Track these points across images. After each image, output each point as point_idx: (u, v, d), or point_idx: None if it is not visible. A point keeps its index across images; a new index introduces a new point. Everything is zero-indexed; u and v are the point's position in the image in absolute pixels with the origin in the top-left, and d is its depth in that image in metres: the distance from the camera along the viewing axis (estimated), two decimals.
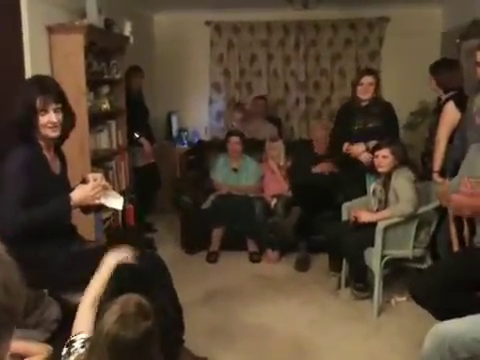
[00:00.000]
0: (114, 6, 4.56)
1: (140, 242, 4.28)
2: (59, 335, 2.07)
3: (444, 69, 3.74)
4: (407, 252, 3.39)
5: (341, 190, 4.22)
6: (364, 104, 4.00)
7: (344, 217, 3.70)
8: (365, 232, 3.36)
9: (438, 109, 3.72)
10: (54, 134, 2.31)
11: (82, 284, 2.36)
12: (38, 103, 2.22)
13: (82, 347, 1.53)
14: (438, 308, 2.45)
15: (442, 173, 3.50)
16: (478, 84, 3.14)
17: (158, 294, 2.35)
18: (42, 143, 2.33)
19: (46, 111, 2.25)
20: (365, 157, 3.92)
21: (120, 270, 1.43)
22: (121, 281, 1.46)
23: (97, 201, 2.36)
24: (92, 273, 2.39)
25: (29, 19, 3.31)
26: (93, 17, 3.75)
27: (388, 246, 3.35)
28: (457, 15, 5.55)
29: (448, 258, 2.93)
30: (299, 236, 4.39)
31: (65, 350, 1.56)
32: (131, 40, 4.40)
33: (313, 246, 4.36)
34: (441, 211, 3.28)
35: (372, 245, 3.34)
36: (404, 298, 3.49)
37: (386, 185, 3.46)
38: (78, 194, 2.30)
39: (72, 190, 2.46)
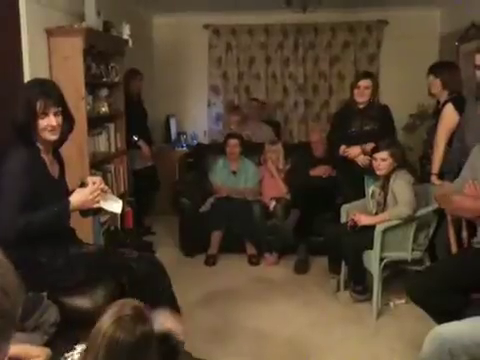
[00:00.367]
0: (113, 9, 4.56)
1: (139, 245, 4.28)
2: (58, 338, 2.07)
3: (448, 69, 3.73)
4: (406, 254, 3.39)
5: (340, 192, 4.23)
6: (361, 107, 4.01)
7: (343, 219, 3.71)
8: (364, 234, 3.36)
9: (437, 112, 3.72)
10: (53, 137, 2.30)
11: (81, 287, 2.37)
12: (38, 106, 2.22)
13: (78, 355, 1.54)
14: (435, 308, 2.45)
15: (440, 175, 3.50)
16: (477, 87, 3.15)
17: (157, 297, 2.35)
18: (41, 146, 2.33)
19: (46, 114, 2.24)
20: (362, 159, 3.93)
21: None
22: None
23: (96, 205, 2.35)
24: (91, 276, 2.39)
25: (28, 22, 3.31)
26: (92, 20, 3.75)
27: (387, 248, 3.35)
28: (455, 18, 5.57)
29: (446, 259, 2.93)
30: (298, 238, 4.39)
31: (63, 357, 1.58)
32: (130, 43, 4.39)
33: (312, 248, 4.36)
34: (440, 213, 3.28)
35: (371, 247, 3.34)
36: (403, 301, 3.49)
37: (385, 188, 3.46)
38: (77, 198, 2.30)
39: (70, 193, 2.46)
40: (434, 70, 3.71)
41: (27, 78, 3.30)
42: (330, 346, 3.03)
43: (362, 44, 6.37)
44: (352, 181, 4.00)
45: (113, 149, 4.36)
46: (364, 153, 3.91)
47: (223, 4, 5.67)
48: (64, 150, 2.59)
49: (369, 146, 3.78)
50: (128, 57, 4.58)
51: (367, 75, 4.13)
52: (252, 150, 5.02)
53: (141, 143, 4.99)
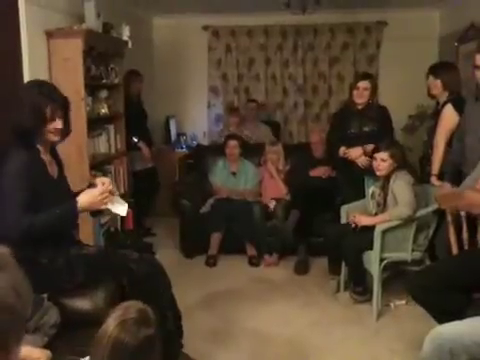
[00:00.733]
0: (112, 10, 4.57)
1: (139, 246, 4.28)
2: (58, 340, 2.07)
3: (448, 70, 3.73)
4: (406, 255, 3.39)
5: (339, 193, 4.23)
6: (359, 108, 4.01)
7: (343, 220, 3.71)
8: (364, 235, 3.36)
9: (436, 113, 3.72)
10: (57, 139, 2.34)
11: (81, 289, 2.37)
12: (48, 112, 2.24)
13: None
14: (435, 307, 2.46)
15: (440, 176, 3.50)
16: (477, 87, 3.15)
17: (157, 298, 2.35)
18: (40, 147, 2.33)
19: (53, 119, 2.27)
20: (362, 160, 3.93)
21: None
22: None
23: (104, 206, 2.35)
24: (91, 277, 2.39)
25: (27, 24, 3.31)
26: (91, 21, 3.76)
27: (387, 249, 3.35)
28: (455, 19, 5.58)
29: (447, 258, 2.94)
30: (298, 239, 4.39)
31: None
32: (129, 44, 4.40)
33: (312, 249, 4.37)
34: (439, 214, 3.28)
35: (371, 248, 3.34)
36: (403, 301, 3.49)
37: (385, 188, 3.46)
38: (85, 199, 2.29)
39: (72, 193, 2.46)
40: (434, 71, 3.71)
41: (27, 80, 3.30)
42: (330, 347, 3.03)
43: (361, 45, 6.38)
44: (352, 182, 4.00)
45: (113, 150, 4.36)
46: (365, 154, 3.91)
47: (222, 5, 5.68)
48: (64, 151, 2.59)
49: (370, 147, 3.79)
50: (128, 58, 4.58)
51: (366, 76, 4.14)
52: (252, 151, 5.02)
53: (141, 144, 4.99)
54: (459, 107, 3.41)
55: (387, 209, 3.44)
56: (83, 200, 2.28)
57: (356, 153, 3.97)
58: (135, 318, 1.39)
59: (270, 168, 4.82)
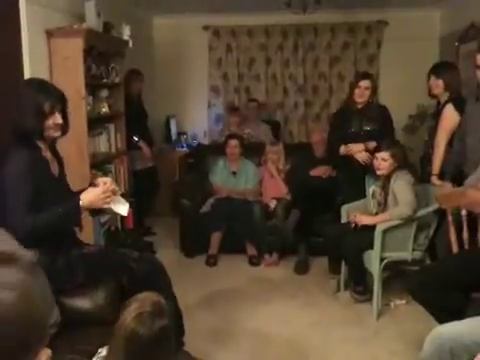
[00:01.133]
0: (113, 10, 4.57)
1: (139, 245, 4.28)
2: (58, 339, 2.07)
3: (449, 70, 3.73)
4: (406, 255, 3.39)
5: (340, 193, 4.23)
6: (359, 107, 4.01)
7: (343, 219, 3.71)
8: (364, 235, 3.36)
9: (437, 113, 3.72)
10: (57, 134, 2.35)
11: (81, 288, 2.37)
12: (46, 107, 2.25)
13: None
14: (433, 304, 2.47)
15: (441, 176, 3.50)
16: (478, 87, 3.15)
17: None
18: (41, 145, 2.34)
19: (53, 113, 2.28)
20: (363, 156, 3.92)
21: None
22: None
23: (106, 206, 2.35)
24: (91, 277, 2.39)
25: (28, 23, 3.31)
26: (92, 21, 3.76)
27: (387, 249, 3.35)
28: (455, 19, 5.57)
29: (447, 257, 2.94)
30: (298, 239, 4.39)
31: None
32: (130, 44, 4.40)
33: (312, 249, 4.37)
34: (440, 214, 3.28)
35: (371, 248, 3.34)
36: (403, 301, 3.49)
37: (385, 188, 3.46)
38: (88, 197, 2.29)
39: (71, 191, 2.46)
40: (436, 71, 3.70)
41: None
42: (330, 347, 3.03)
43: (362, 45, 6.37)
44: (352, 181, 3.99)
45: (113, 150, 4.36)
46: (366, 150, 3.91)
47: (223, 5, 5.68)
48: (64, 150, 2.59)
49: (372, 144, 3.79)
50: (128, 58, 4.58)
51: (367, 76, 4.14)
52: (252, 151, 5.03)
53: (141, 144, 4.99)
54: (460, 107, 3.41)
55: (387, 209, 3.44)
56: (85, 198, 2.28)
57: (357, 148, 3.97)
58: (150, 311, 1.47)
59: (270, 168, 4.82)
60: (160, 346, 1.47)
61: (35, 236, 2.19)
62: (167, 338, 1.50)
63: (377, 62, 6.37)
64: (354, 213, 3.57)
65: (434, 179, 3.55)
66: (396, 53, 6.14)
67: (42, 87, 2.33)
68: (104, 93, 4.15)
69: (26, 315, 0.68)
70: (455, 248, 2.76)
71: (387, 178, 3.45)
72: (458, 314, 2.09)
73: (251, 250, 4.52)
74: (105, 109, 4.13)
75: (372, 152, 3.66)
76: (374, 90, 4.10)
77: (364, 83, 3.96)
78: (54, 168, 2.42)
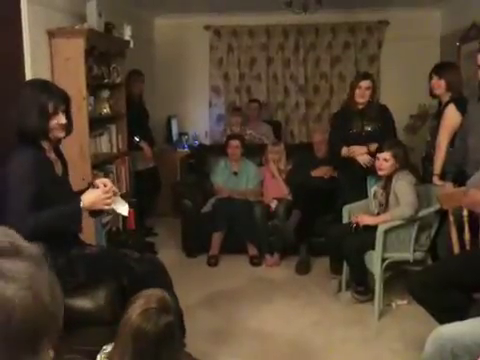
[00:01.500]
0: (114, 10, 4.57)
1: (141, 246, 4.28)
2: (59, 339, 2.07)
3: (451, 70, 3.72)
4: (408, 255, 3.39)
5: (341, 193, 4.22)
6: (360, 107, 4.00)
7: (345, 220, 3.70)
8: (366, 235, 3.36)
9: (439, 113, 3.71)
10: (62, 135, 2.35)
11: (82, 288, 2.37)
12: (50, 108, 2.26)
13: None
14: (434, 305, 2.47)
15: (442, 176, 3.50)
16: (479, 87, 3.15)
17: None
18: (45, 146, 2.34)
19: (57, 113, 2.28)
20: (364, 159, 3.92)
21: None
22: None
23: (107, 207, 2.35)
24: (92, 277, 2.39)
25: (29, 23, 3.32)
26: (93, 21, 3.76)
27: (389, 249, 3.35)
28: (456, 18, 5.57)
29: (448, 258, 2.94)
30: (299, 239, 4.39)
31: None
32: (131, 44, 4.40)
33: (314, 249, 4.37)
34: (441, 214, 3.28)
35: (373, 248, 3.33)
36: (405, 301, 3.49)
37: (387, 188, 3.46)
38: (89, 198, 2.30)
39: (74, 192, 2.46)
40: (438, 71, 3.69)
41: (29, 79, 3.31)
42: (331, 347, 3.03)
43: (363, 45, 6.37)
44: (353, 182, 3.99)
45: (115, 150, 4.36)
46: (368, 153, 3.90)
47: (224, 5, 5.68)
48: (66, 151, 2.59)
49: (374, 146, 3.78)
50: (129, 58, 4.58)
51: (367, 76, 4.13)
52: (253, 151, 5.03)
53: (143, 144, 4.99)
54: (461, 107, 3.41)
55: (389, 209, 3.43)
56: (86, 199, 2.28)
57: (360, 150, 3.96)
58: (156, 307, 1.49)
59: (272, 168, 4.82)
60: (165, 342, 1.49)
61: (36, 236, 2.18)
62: (172, 334, 1.51)
63: (378, 62, 6.36)
64: (355, 214, 3.56)
65: (435, 179, 3.55)
66: (397, 53, 6.14)
67: (45, 87, 2.34)
68: (105, 93, 4.15)
69: (36, 307, 0.68)
70: (456, 249, 2.76)
71: (389, 178, 3.44)
72: (459, 315, 2.09)
73: (252, 250, 4.52)
74: (106, 110, 4.13)
75: (374, 153, 3.65)
76: (375, 90, 4.09)
77: (365, 83, 3.96)
78: (58, 169, 2.43)
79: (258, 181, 4.85)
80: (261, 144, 5.27)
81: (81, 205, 2.26)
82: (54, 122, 2.28)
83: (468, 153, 3.14)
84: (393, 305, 3.51)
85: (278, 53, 6.48)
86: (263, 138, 5.60)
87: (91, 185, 2.44)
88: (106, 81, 4.14)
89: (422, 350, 2.03)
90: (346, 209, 3.73)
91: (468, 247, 2.73)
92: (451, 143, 3.49)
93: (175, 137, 6.33)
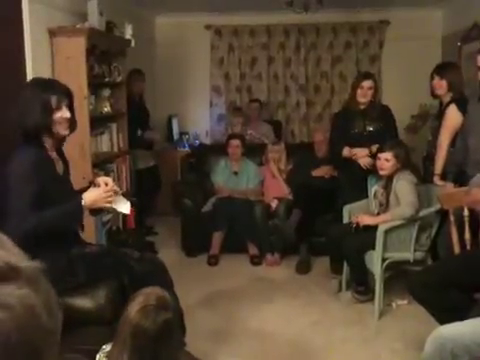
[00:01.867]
0: (115, 9, 4.57)
1: (141, 245, 4.28)
2: (60, 338, 2.07)
3: (453, 70, 3.71)
4: (408, 255, 3.38)
5: (341, 193, 4.22)
6: (362, 108, 4.00)
7: (345, 220, 3.70)
8: (366, 235, 3.36)
9: (440, 113, 3.71)
10: (65, 132, 2.34)
11: (82, 287, 2.37)
12: (53, 102, 2.25)
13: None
14: (434, 304, 2.46)
15: (443, 176, 3.50)
16: None
17: None
18: (47, 145, 2.34)
19: (60, 108, 2.28)
20: (365, 161, 3.91)
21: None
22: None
23: (108, 205, 2.35)
24: (92, 276, 2.39)
25: (31, 22, 3.32)
26: (94, 20, 3.76)
27: (389, 249, 3.34)
28: (458, 18, 5.56)
29: (448, 257, 2.94)
30: (300, 239, 4.39)
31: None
32: (132, 43, 4.40)
33: (314, 249, 4.36)
34: (442, 214, 3.28)
35: (373, 248, 3.33)
36: (405, 301, 3.48)
37: (387, 188, 3.46)
38: (90, 197, 2.29)
39: (75, 191, 2.46)
40: (439, 71, 3.68)
41: (30, 78, 3.30)
42: (332, 346, 3.03)
43: (364, 44, 6.37)
44: (353, 182, 3.99)
45: (115, 149, 4.36)
46: (370, 155, 3.89)
47: (225, 5, 5.68)
48: (67, 150, 2.59)
49: (375, 148, 3.77)
50: (130, 57, 4.58)
51: (369, 75, 4.12)
52: (254, 150, 5.03)
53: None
54: (463, 107, 3.40)
55: (390, 209, 3.43)
56: (88, 198, 2.28)
57: (362, 153, 3.95)
58: (155, 304, 1.50)
59: (272, 168, 4.81)
60: (164, 339, 1.49)
61: (37, 235, 2.19)
62: (171, 331, 1.51)
63: (379, 62, 6.36)
64: (356, 214, 3.56)
65: (436, 179, 3.55)
66: (398, 53, 6.14)
67: (47, 84, 2.35)
68: (106, 92, 4.16)
69: (34, 329, 0.67)
70: (457, 249, 2.76)
71: (389, 178, 3.44)
72: (459, 315, 2.09)
73: (253, 250, 4.52)
74: (107, 108, 4.14)
75: (375, 154, 3.65)
76: (377, 90, 4.08)
77: (367, 83, 3.95)
78: (59, 168, 2.43)
79: (258, 181, 4.85)
80: (261, 144, 5.26)
81: (82, 203, 2.26)
82: (58, 115, 2.27)
83: (468, 153, 3.14)
84: (393, 305, 3.51)
85: (279, 53, 6.47)
86: (263, 138, 5.59)
87: (92, 184, 2.44)
88: (107, 80, 4.14)
89: (422, 350, 2.02)
90: (346, 209, 3.73)
91: (469, 247, 2.73)
92: (452, 143, 3.49)
93: (176, 136, 6.33)
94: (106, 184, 2.37)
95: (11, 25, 3.24)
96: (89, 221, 3.22)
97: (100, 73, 4.01)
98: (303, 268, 4.26)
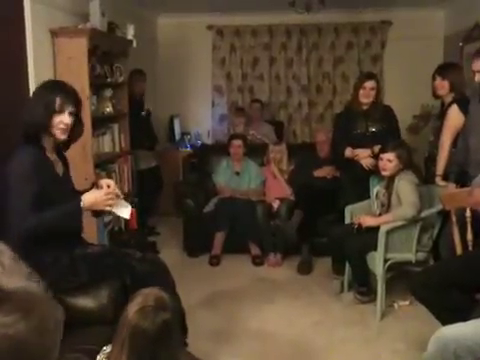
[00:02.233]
0: (117, 10, 4.57)
1: (143, 245, 4.28)
2: (62, 338, 2.07)
3: (455, 71, 3.71)
4: (410, 256, 3.38)
5: (343, 193, 4.22)
6: (364, 108, 3.99)
7: (347, 220, 3.70)
8: (368, 236, 3.36)
9: (442, 114, 3.70)
10: (62, 137, 2.32)
11: (85, 287, 2.37)
12: (57, 102, 2.25)
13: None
14: (436, 304, 2.46)
15: (445, 177, 3.49)
16: None
17: None
18: (46, 145, 2.34)
19: (62, 112, 2.27)
20: (367, 162, 3.91)
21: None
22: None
23: (108, 208, 2.35)
24: (94, 276, 2.39)
25: (33, 22, 3.32)
26: (96, 21, 3.77)
27: (391, 250, 3.34)
28: (460, 18, 5.56)
29: (450, 258, 2.94)
30: (302, 239, 4.39)
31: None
32: (134, 43, 4.40)
33: (316, 249, 4.36)
34: (444, 215, 3.27)
35: (375, 249, 3.33)
36: (407, 302, 3.48)
37: (389, 188, 3.45)
38: (89, 198, 2.29)
39: (76, 191, 2.46)
40: (442, 72, 3.68)
41: (32, 78, 3.32)
42: (333, 347, 3.02)
43: (366, 45, 6.36)
44: (355, 183, 3.98)
45: (117, 149, 4.37)
46: (373, 156, 3.88)
47: (227, 5, 5.68)
48: (68, 150, 2.59)
49: (377, 149, 3.77)
50: (132, 57, 4.59)
51: (371, 76, 4.11)
52: (256, 151, 5.03)
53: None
54: (464, 108, 3.40)
55: (391, 209, 3.43)
56: (87, 200, 2.28)
57: (364, 154, 3.95)
58: (153, 305, 1.49)
59: (273, 168, 4.81)
60: (163, 340, 1.49)
61: (37, 235, 2.19)
62: (170, 332, 1.51)
63: (381, 62, 6.35)
64: (358, 214, 3.56)
65: (438, 180, 3.54)
66: (400, 53, 6.13)
67: (56, 86, 2.34)
68: (108, 93, 4.16)
69: (28, 349, 0.67)
70: (459, 249, 2.76)
71: (391, 178, 3.44)
72: (462, 315, 2.09)
73: (254, 250, 4.52)
74: (109, 109, 4.14)
75: (377, 155, 3.64)
76: (379, 91, 4.08)
77: (369, 84, 3.94)
78: (59, 169, 2.43)
79: (260, 181, 4.85)
80: (263, 144, 5.26)
81: (81, 205, 2.26)
82: (58, 119, 2.26)
83: (469, 153, 3.14)
84: (395, 306, 3.51)
85: (281, 53, 6.47)
86: (264, 138, 5.59)
87: (95, 185, 2.44)
88: (109, 80, 4.14)
89: (424, 351, 2.03)
90: (348, 209, 3.73)
91: (471, 248, 2.73)
92: (454, 144, 3.48)
93: (177, 136, 6.33)
94: (108, 186, 2.37)
95: (13, 25, 3.25)
96: (91, 222, 3.23)
97: (102, 74, 4.02)
98: (305, 269, 4.25)
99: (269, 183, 4.84)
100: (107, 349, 1.67)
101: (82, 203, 2.26)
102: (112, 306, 2.35)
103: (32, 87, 3.26)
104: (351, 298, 3.61)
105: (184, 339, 2.59)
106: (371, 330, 3.23)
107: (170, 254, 4.34)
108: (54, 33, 3.56)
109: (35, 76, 3.31)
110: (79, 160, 3.40)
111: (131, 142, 4.59)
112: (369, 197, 3.68)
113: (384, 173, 3.46)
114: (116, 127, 4.35)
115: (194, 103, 6.63)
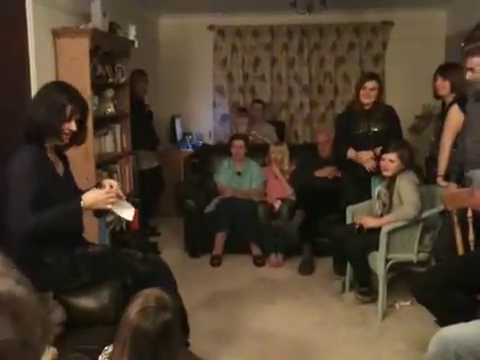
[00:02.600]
0: (119, 10, 4.58)
1: (144, 246, 4.28)
2: (64, 338, 2.08)
3: (456, 71, 3.71)
4: (412, 256, 3.38)
5: (345, 194, 4.21)
6: (366, 108, 3.99)
7: (348, 220, 3.70)
8: (369, 236, 3.36)
9: (443, 114, 3.70)
10: (66, 141, 2.35)
11: (86, 287, 2.38)
12: (68, 111, 2.26)
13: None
14: (437, 306, 2.46)
15: (446, 177, 3.49)
16: None
17: None
18: (47, 146, 2.34)
19: (70, 120, 2.29)
20: (369, 164, 3.90)
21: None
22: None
23: (109, 206, 2.35)
24: (96, 277, 2.40)
25: (34, 23, 3.32)
26: (98, 21, 3.77)
27: (392, 250, 3.34)
28: (462, 18, 5.55)
29: (451, 258, 2.93)
30: (303, 239, 4.39)
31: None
32: (136, 44, 4.41)
33: (317, 249, 4.36)
34: (445, 215, 3.27)
35: (376, 249, 3.33)
36: (408, 302, 3.48)
37: (390, 188, 3.45)
38: (89, 198, 2.29)
39: (78, 190, 2.47)
40: (443, 72, 3.68)
41: (33, 79, 3.32)
42: (334, 347, 3.03)
43: (367, 45, 6.36)
44: (356, 183, 3.98)
45: (119, 150, 4.37)
46: (375, 158, 3.88)
47: (228, 5, 5.68)
48: (70, 151, 2.60)
49: (379, 151, 3.76)
50: (134, 58, 4.59)
51: (373, 76, 4.11)
52: (257, 151, 5.03)
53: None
54: (465, 107, 3.40)
55: (393, 209, 3.43)
56: (87, 199, 2.28)
57: (367, 156, 3.94)
58: (154, 306, 1.50)
59: (274, 169, 4.81)
60: (164, 340, 1.50)
61: (37, 234, 2.20)
62: (171, 332, 1.52)
63: (383, 62, 6.35)
64: (359, 214, 3.56)
65: (440, 180, 3.54)
66: (402, 53, 6.13)
67: (69, 91, 2.34)
68: (110, 93, 4.16)
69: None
70: (461, 250, 2.75)
71: (392, 178, 3.44)
72: (463, 316, 2.09)
73: (255, 250, 4.52)
74: (111, 109, 4.14)
75: (379, 156, 3.64)
76: (381, 90, 4.07)
77: (370, 84, 3.94)
78: (59, 169, 2.43)
79: (262, 181, 4.85)
80: (264, 144, 5.26)
81: (81, 204, 2.26)
82: (66, 126, 2.28)
83: (466, 153, 3.13)
84: (396, 306, 3.51)
85: (282, 53, 6.47)
86: (265, 138, 5.60)
87: (99, 185, 2.44)
88: (110, 81, 4.14)
89: (425, 351, 2.03)
90: (350, 210, 3.73)
91: (472, 248, 2.72)
92: (455, 144, 3.48)
93: (179, 137, 6.34)
94: (111, 186, 2.37)
95: (15, 26, 3.25)
96: (93, 222, 3.23)
97: (103, 74, 4.02)
98: (306, 269, 4.25)
99: (270, 183, 4.84)
100: (108, 349, 1.67)
101: (82, 202, 2.26)
102: (113, 306, 2.35)
103: (34, 87, 3.27)
104: (352, 298, 3.60)
105: (186, 339, 2.59)
106: (372, 330, 3.23)
107: (171, 254, 4.34)
108: (56, 33, 3.57)
109: (37, 76, 3.31)
110: (81, 160, 3.40)
111: (133, 142, 4.59)
112: (370, 197, 3.68)
113: (386, 173, 3.46)
114: (118, 127, 4.35)
115: (195, 103, 6.63)
